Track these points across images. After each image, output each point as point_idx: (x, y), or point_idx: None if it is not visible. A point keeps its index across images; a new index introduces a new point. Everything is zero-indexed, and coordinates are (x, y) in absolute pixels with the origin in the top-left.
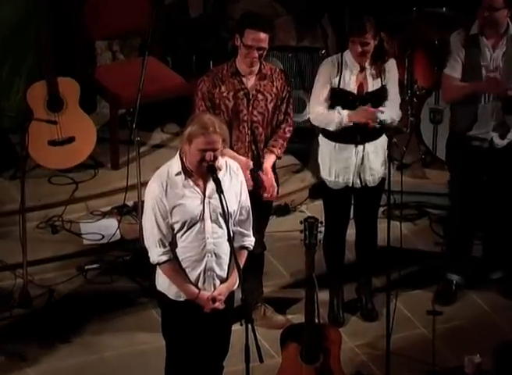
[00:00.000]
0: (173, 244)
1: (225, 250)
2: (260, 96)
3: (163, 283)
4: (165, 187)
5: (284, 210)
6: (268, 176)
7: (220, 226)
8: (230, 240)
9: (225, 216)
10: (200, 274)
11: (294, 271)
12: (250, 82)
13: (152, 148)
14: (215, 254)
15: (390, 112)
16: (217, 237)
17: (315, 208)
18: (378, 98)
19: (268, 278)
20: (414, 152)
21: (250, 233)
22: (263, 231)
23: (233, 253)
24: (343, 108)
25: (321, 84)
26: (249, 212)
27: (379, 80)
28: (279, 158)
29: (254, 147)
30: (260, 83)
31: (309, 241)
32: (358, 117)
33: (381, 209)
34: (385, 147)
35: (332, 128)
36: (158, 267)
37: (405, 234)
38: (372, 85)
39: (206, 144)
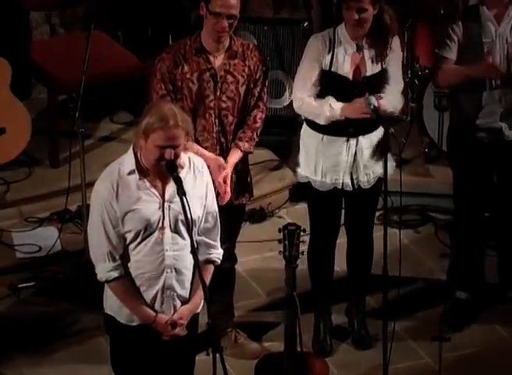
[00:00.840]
0: (125, 258)
1: (187, 265)
2: (229, 78)
3: (112, 304)
4: (116, 189)
5: (259, 215)
6: (223, 180)
7: (182, 237)
8: (194, 252)
9: (189, 223)
10: (157, 294)
11: (271, 289)
12: (218, 61)
13: (99, 142)
14: (175, 269)
15: (392, 99)
16: (178, 249)
17: (297, 213)
18: (378, 83)
19: (240, 298)
20: (415, 145)
21: (218, 244)
22: (234, 241)
23: (198, 268)
24: (336, 97)
25: (309, 65)
26: (216, 218)
27: (380, 62)
28: (248, 153)
29: (222, 139)
30: (229, 62)
31: (289, 253)
32: (355, 112)
33: (376, 214)
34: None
35: (321, 122)
36: (106, 285)
37: (405, 244)
38: (371, 68)
39: (166, 140)
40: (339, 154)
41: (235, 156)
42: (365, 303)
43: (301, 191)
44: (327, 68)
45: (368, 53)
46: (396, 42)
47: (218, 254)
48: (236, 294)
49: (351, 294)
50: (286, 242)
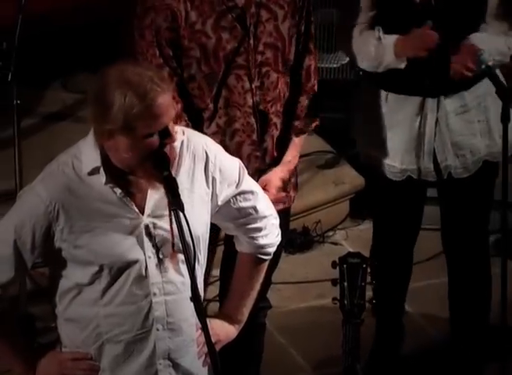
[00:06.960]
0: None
1: (188, 317)
2: (264, 14)
3: None
4: (67, 198)
5: (302, 241)
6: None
7: (178, 271)
8: (197, 296)
9: (189, 255)
10: (145, 367)
11: (321, 359)
12: None
13: (46, 121)
14: (168, 325)
15: (492, 41)
16: (172, 291)
17: (362, 238)
18: (463, 11)
19: (272, 373)
20: None
21: (263, 223)
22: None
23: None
24: (392, 30)
25: None
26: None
27: None
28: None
29: (259, 114)
30: None
31: (350, 302)
32: (411, 47)
33: (491, 239)
34: (488, 103)
35: (370, 68)
36: None
37: None
38: None
39: (155, 123)
40: (412, 122)
41: (293, 151)
42: None
43: (371, 201)
44: None
45: None
46: None
47: (269, 246)
48: (265, 367)
49: (459, 364)
50: (345, 284)
